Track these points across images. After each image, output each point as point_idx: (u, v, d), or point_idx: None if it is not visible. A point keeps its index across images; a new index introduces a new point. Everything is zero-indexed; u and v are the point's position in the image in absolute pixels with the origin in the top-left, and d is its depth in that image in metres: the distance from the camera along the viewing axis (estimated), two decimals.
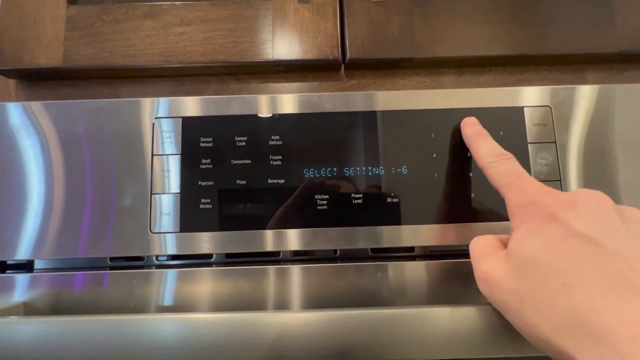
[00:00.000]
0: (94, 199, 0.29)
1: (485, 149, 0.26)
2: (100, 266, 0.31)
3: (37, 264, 0.31)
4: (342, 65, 0.37)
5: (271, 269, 0.29)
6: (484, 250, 0.23)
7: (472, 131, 0.28)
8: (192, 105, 0.31)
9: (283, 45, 0.35)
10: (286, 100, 0.31)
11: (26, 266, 0.31)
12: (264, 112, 0.30)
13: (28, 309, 0.28)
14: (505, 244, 0.23)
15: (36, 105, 0.31)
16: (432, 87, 0.37)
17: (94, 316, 0.23)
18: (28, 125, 0.31)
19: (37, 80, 0.37)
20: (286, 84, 0.37)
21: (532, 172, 0.29)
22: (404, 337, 0.21)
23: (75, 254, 0.29)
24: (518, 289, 0.19)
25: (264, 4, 0.36)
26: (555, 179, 0.29)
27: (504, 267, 0.20)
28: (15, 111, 0.31)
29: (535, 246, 0.19)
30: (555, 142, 0.29)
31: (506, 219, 0.28)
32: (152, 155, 0.29)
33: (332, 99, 0.31)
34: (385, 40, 0.35)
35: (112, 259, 0.31)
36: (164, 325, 0.22)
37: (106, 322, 0.22)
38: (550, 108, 0.30)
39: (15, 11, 0.36)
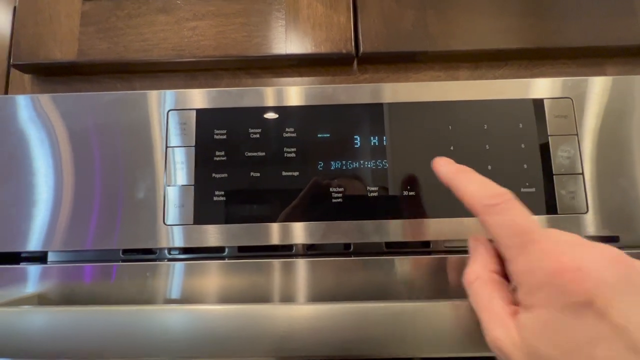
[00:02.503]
0: (107, 192, 0.29)
1: (475, 187, 0.21)
2: (112, 259, 0.31)
3: (51, 256, 0.31)
4: (355, 60, 0.37)
5: (284, 263, 0.28)
6: (488, 304, 0.19)
7: (451, 169, 0.23)
8: (205, 98, 0.31)
9: (296, 39, 0.35)
10: (300, 92, 0.31)
11: (39, 258, 0.31)
12: (278, 104, 0.30)
13: (42, 301, 0.28)
14: (504, 277, 0.20)
15: (49, 98, 0.31)
16: (446, 81, 0.37)
17: (103, 307, 0.22)
18: (41, 117, 0.31)
19: (51, 75, 0.38)
20: (298, 79, 0.37)
21: (553, 166, 0.28)
22: (413, 331, 0.21)
23: (87, 245, 0.29)
24: None
25: None
26: (577, 172, 0.28)
27: (519, 351, 0.17)
28: (26, 104, 0.31)
29: (558, 348, 0.16)
30: (576, 135, 0.28)
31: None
32: (166, 147, 0.29)
33: (348, 91, 0.30)
34: (399, 33, 0.35)
35: (124, 251, 0.31)
36: (172, 316, 0.22)
37: (113, 313, 0.22)
38: (572, 100, 0.29)
39: (31, 7, 0.36)
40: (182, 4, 0.36)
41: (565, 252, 0.17)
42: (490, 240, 0.21)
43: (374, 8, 0.35)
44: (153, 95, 0.31)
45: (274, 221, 0.28)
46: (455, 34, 0.35)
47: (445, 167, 0.23)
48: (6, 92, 0.38)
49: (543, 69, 0.37)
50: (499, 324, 0.18)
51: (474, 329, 0.20)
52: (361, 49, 0.35)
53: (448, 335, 0.21)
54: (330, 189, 0.28)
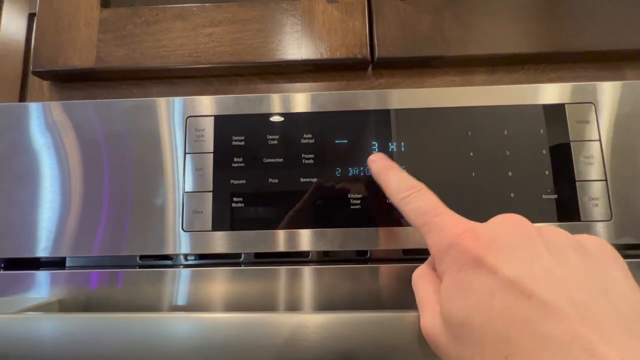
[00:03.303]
0: (117, 198, 0.29)
1: (394, 183, 0.23)
2: (129, 264, 0.31)
3: (69, 262, 0.32)
4: (370, 65, 0.37)
5: (301, 269, 0.28)
6: (423, 294, 0.20)
7: (380, 166, 0.25)
8: (223, 104, 0.31)
9: (311, 45, 0.35)
10: (318, 99, 0.31)
11: (58, 263, 0.31)
12: (297, 111, 0.30)
13: (62, 307, 0.28)
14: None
15: (62, 105, 0.31)
16: (462, 85, 0.36)
17: (105, 314, 0.22)
18: (56, 124, 0.31)
19: (70, 82, 0.38)
20: (313, 84, 0.37)
21: (575, 172, 0.28)
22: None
23: (106, 252, 0.29)
24: (460, 357, 0.17)
25: (292, 4, 0.36)
26: (600, 178, 0.27)
27: (441, 328, 0.18)
28: (41, 111, 0.31)
29: (463, 307, 0.17)
30: (599, 140, 0.28)
31: (550, 220, 0.27)
32: (185, 153, 0.29)
33: (366, 97, 0.30)
34: (415, 38, 0.35)
35: (142, 257, 0.31)
36: (184, 324, 0.22)
37: (117, 320, 0.22)
38: (594, 105, 0.28)
39: (51, 15, 0.37)
40: (199, 11, 0.36)
41: (463, 220, 0.19)
42: None
43: (390, 13, 0.35)
44: (170, 102, 0.31)
45: (293, 227, 0.28)
46: (472, 38, 0.35)
47: (375, 165, 0.26)
48: (23, 98, 0.39)
49: (560, 73, 0.36)
50: (425, 310, 0.20)
51: None
52: (376, 54, 0.35)
53: None
54: (349, 196, 0.28)
